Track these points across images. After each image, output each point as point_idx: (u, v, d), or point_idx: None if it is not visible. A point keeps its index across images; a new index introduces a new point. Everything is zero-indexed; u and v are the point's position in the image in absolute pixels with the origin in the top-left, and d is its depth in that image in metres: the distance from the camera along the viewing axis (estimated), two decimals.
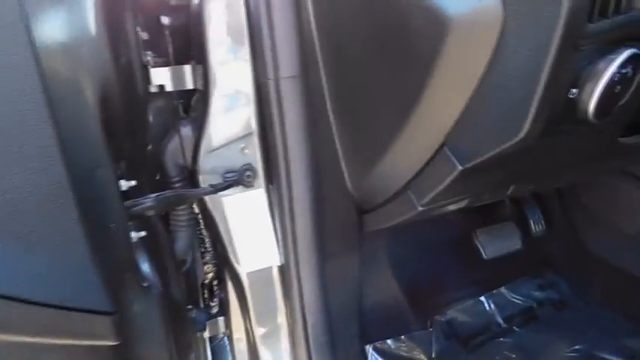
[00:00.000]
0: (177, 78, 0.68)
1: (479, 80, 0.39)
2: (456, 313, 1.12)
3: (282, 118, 0.59)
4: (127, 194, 0.58)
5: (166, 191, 0.62)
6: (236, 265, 0.76)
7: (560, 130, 0.41)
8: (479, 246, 1.07)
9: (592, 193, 1.19)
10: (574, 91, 0.38)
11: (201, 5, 0.63)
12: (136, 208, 0.58)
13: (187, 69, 0.68)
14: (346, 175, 0.65)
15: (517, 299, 1.17)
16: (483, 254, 1.07)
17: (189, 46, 0.68)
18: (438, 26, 0.40)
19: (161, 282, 0.64)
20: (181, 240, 0.78)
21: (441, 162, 0.47)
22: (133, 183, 0.57)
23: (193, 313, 0.81)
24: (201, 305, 0.91)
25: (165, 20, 0.67)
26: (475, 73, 0.38)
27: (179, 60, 0.69)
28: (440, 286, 1.12)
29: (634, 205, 1.06)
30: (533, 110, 0.36)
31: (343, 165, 0.64)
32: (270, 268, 0.74)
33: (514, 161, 0.47)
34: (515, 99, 0.37)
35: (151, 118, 0.74)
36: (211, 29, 0.63)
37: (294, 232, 0.65)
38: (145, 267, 0.60)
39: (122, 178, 0.57)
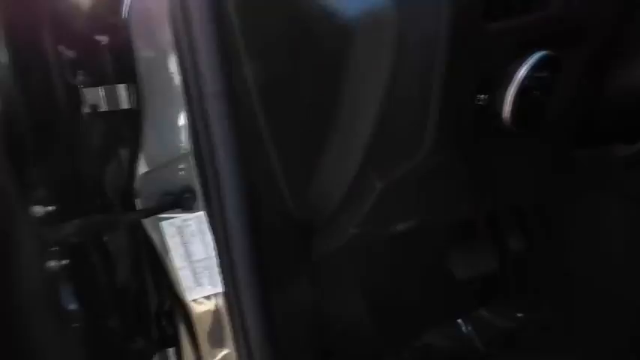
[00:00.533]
0: (112, 98, 0.65)
1: (384, 88, 0.35)
2: (431, 338, 1.07)
3: (209, 137, 0.56)
4: (47, 220, 0.55)
5: (92, 216, 0.59)
6: (180, 293, 0.72)
7: (485, 141, 0.38)
8: (451, 266, 1.02)
9: (573, 210, 1.15)
10: (482, 97, 0.35)
11: (128, 22, 0.61)
12: (55, 235, 0.55)
13: (122, 88, 0.66)
14: (286, 194, 0.61)
15: (497, 321, 1.12)
16: (455, 275, 1.02)
17: (124, 64, 0.65)
18: (338, 31, 0.37)
19: (91, 315, 0.60)
20: (123, 266, 0.74)
21: (364, 180, 0.43)
22: (50, 209, 0.54)
23: (140, 345, 0.77)
24: (156, 336, 0.87)
25: (96, 38, 0.64)
26: (380, 81, 0.35)
27: (115, 79, 0.67)
28: (413, 310, 1.07)
29: (614, 223, 1.01)
30: (432, 119, 0.33)
31: (282, 184, 0.61)
32: (216, 296, 0.70)
33: (445, 176, 0.44)
34: (417, 107, 0.34)
35: (90, 140, 0.71)
36: (140, 46, 0.61)
37: (230, 258, 0.61)
38: (67, 299, 0.56)
39: (41, 204, 0.54)
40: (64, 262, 0.56)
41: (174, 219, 0.68)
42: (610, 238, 1.02)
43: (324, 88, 0.42)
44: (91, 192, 0.67)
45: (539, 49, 0.35)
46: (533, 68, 0.34)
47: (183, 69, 0.53)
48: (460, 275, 1.01)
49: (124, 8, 0.61)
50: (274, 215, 0.62)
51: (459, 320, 1.08)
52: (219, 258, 0.62)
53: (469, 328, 1.08)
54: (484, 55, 0.33)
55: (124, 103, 0.67)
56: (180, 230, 0.68)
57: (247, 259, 0.61)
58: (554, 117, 0.41)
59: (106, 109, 0.67)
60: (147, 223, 0.69)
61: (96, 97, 0.66)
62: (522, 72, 0.34)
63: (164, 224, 0.68)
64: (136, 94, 0.63)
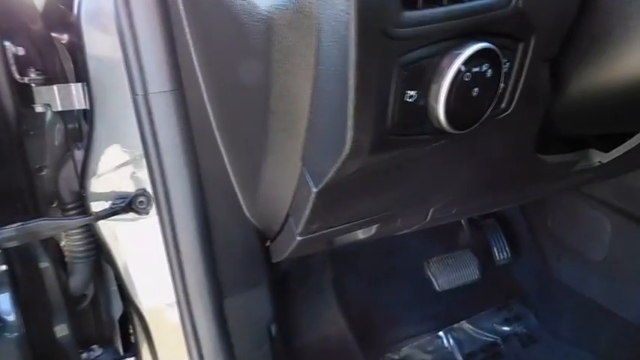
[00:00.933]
0: (66, 97, 0.63)
1: (312, 84, 0.32)
2: (410, 350, 1.03)
3: (155, 138, 0.53)
4: None
5: (36, 219, 0.56)
6: (136, 300, 0.69)
7: (424, 141, 0.34)
8: (430, 277, 0.99)
9: (558, 217, 1.11)
10: (411, 93, 0.32)
11: (79, 18, 0.58)
12: None
13: (75, 87, 0.63)
14: (241, 198, 0.58)
15: (480, 334, 1.08)
16: (436, 286, 0.98)
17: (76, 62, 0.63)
18: (259, 24, 0.34)
19: (33, 323, 0.57)
20: (79, 273, 0.71)
21: (302, 183, 0.40)
22: None
23: (95, 354, 0.74)
24: (118, 344, 0.84)
25: (47, 35, 0.62)
26: (307, 76, 0.32)
27: (68, 78, 0.64)
28: (393, 320, 1.03)
29: (600, 232, 0.97)
30: (350, 117, 0.30)
31: (236, 187, 0.58)
32: (172, 304, 0.67)
33: (384, 179, 0.41)
34: (338, 105, 0.31)
35: (44, 141, 0.69)
36: (89, 44, 0.58)
37: (180, 265, 0.58)
38: (4, 307, 0.53)
39: None
40: (1, 267, 0.53)
41: (129, 223, 0.65)
42: (598, 247, 0.99)
43: (256, 85, 0.39)
44: (35, 196, 0.64)
45: (477, 41, 0.32)
46: (468, 62, 0.31)
47: (127, 66, 0.51)
48: (439, 286, 0.97)
49: (75, 5, 0.59)
50: (228, 219, 0.60)
51: (440, 332, 1.04)
52: (169, 265, 0.59)
53: (450, 340, 1.04)
54: (405, 46, 0.30)
55: (79, 103, 0.64)
56: (134, 235, 0.66)
57: (199, 263, 0.58)
58: (506, 117, 0.38)
59: (60, 109, 0.64)
60: (101, 227, 0.67)
61: (50, 96, 0.64)
62: (455, 66, 0.31)
63: (118, 228, 0.65)
64: (89, 93, 0.61)
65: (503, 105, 0.39)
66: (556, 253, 1.09)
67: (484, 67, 0.32)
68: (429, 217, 0.61)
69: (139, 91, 0.51)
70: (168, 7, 0.50)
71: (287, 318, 0.93)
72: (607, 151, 0.66)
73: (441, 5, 0.29)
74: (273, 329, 0.67)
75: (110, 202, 0.64)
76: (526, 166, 0.55)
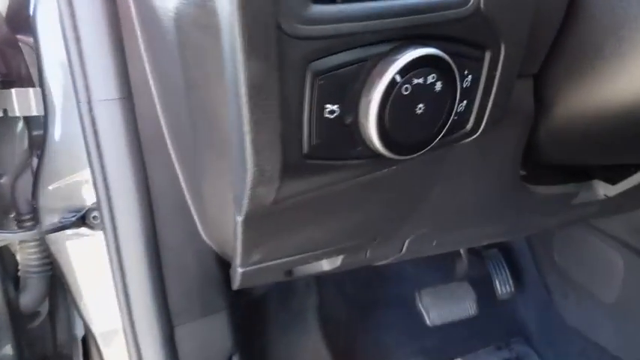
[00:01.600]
0: (23, 102, 0.60)
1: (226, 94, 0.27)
2: None
3: (99, 149, 0.49)
4: None
5: None
6: (87, 321, 0.64)
7: (358, 166, 0.28)
8: (422, 310, 0.91)
9: (565, 251, 1.02)
10: (332, 108, 0.26)
11: (34, 20, 0.55)
12: None
13: (33, 92, 0.60)
14: (196, 218, 0.53)
15: None
16: (427, 320, 0.90)
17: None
18: (170, 22, 0.29)
19: None
20: (31, 288, 0.67)
21: (232, 211, 0.35)
22: None
23: None
24: None
25: (11, 39, 0.59)
26: (220, 85, 0.27)
27: (25, 83, 0.61)
28: (379, 354, 0.95)
29: (611, 271, 0.88)
30: (247, 134, 0.24)
31: (191, 206, 0.53)
32: (119, 330, 0.62)
33: (330, 209, 0.35)
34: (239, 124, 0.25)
35: (5, 148, 0.65)
36: (44, 47, 0.55)
37: (125, 288, 0.53)
38: None
39: None
40: None
41: (80, 239, 0.61)
42: (606, 286, 0.89)
43: (183, 94, 0.34)
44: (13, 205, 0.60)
45: (419, 46, 0.26)
46: (407, 71, 0.25)
47: (71, 72, 0.46)
48: (431, 320, 0.89)
49: (31, 6, 0.56)
50: (181, 239, 0.54)
51: None
52: (115, 288, 0.54)
53: None
54: (320, 49, 0.24)
55: (37, 109, 0.61)
56: (86, 253, 0.61)
57: (146, 287, 0.53)
58: (477, 140, 0.32)
59: (18, 114, 0.61)
60: (52, 242, 0.62)
61: (8, 100, 0.61)
62: (387, 75, 0.25)
63: (68, 244, 0.61)
64: (44, 99, 0.57)
65: (468, 126, 0.32)
66: (563, 290, 1.00)
67: (430, 79, 0.26)
68: (404, 249, 0.55)
69: (83, 98, 0.47)
70: (117, 9, 0.46)
71: (263, 346, 0.87)
72: (614, 183, 0.58)
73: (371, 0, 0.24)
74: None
75: (60, 216, 0.60)
76: (513, 197, 0.48)
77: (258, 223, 0.33)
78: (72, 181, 0.60)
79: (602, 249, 0.89)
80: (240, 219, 0.32)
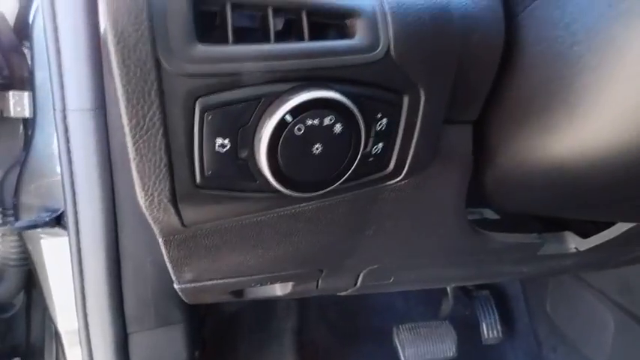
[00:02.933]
0: (18, 104, 0.63)
1: None
2: None
3: (69, 155, 0.51)
4: None
5: None
6: (53, 317, 0.66)
7: (262, 199, 0.28)
8: (397, 346, 0.88)
9: (557, 303, 0.97)
10: (223, 142, 0.26)
11: (32, 27, 0.59)
12: None
13: (28, 96, 0.63)
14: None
15: None
16: (401, 356, 0.88)
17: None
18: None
19: None
20: (7, 279, 0.69)
21: None
22: None
23: None
24: (50, 357, 0.81)
25: (16, 45, 0.63)
26: None
27: (20, 86, 0.65)
28: None
29: (602, 329, 0.83)
30: (132, 161, 0.25)
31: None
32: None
33: (250, 235, 0.35)
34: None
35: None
36: (37, 53, 0.58)
37: (82, 290, 0.55)
38: None
39: None
40: None
41: (54, 239, 0.63)
42: (597, 343, 0.84)
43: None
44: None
45: (315, 89, 0.26)
46: (300, 112, 0.25)
47: (50, 80, 0.49)
48: (405, 357, 0.87)
49: (31, 14, 0.59)
50: (142, 253, 0.55)
51: None
52: (74, 290, 0.55)
53: None
54: (209, 85, 0.24)
55: (30, 111, 0.64)
56: (59, 253, 0.63)
57: (103, 292, 0.54)
58: (408, 184, 0.31)
59: (12, 116, 0.65)
60: (28, 238, 0.65)
61: (5, 102, 0.64)
62: (277, 116, 0.25)
63: (42, 242, 0.63)
64: (33, 102, 0.61)
65: (389, 169, 0.32)
66: (552, 343, 0.95)
67: (327, 121, 0.26)
68: (359, 283, 0.54)
69: (58, 106, 0.50)
70: (98, 22, 0.48)
71: None
72: (586, 236, 0.56)
73: (267, 42, 0.24)
74: None
75: (35, 215, 0.62)
76: (465, 243, 0.46)
77: (180, 244, 0.34)
78: (51, 181, 0.63)
79: (594, 305, 0.85)
80: (160, 240, 0.33)
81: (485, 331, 1.01)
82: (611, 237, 0.52)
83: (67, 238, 0.62)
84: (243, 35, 0.24)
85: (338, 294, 0.61)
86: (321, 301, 0.98)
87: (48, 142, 0.61)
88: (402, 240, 0.43)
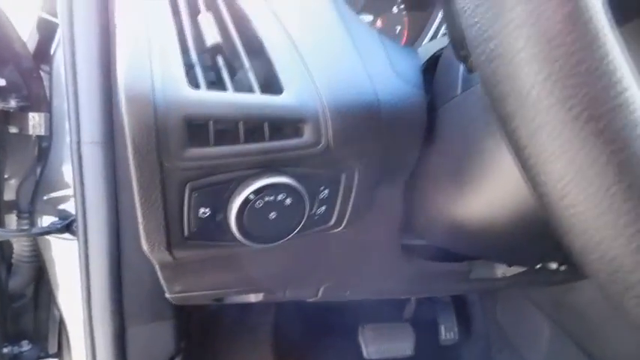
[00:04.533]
0: (37, 125, 0.73)
1: None
2: None
3: (81, 178, 0.61)
4: None
5: None
6: (60, 310, 0.76)
7: (232, 246, 0.39)
8: (361, 343, 1.00)
9: (505, 309, 1.09)
10: (205, 211, 0.36)
11: (52, 60, 0.68)
12: None
13: (44, 117, 0.73)
14: None
15: None
16: (364, 352, 0.99)
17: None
18: None
19: None
20: (20, 274, 0.80)
21: None
22: None
23: (21, 349, 0.81)
24: (54, 343, 0.91)
25: (33, 67, 0.72)
26: None
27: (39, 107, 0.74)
28: None
29: (537, 335, 0.95)
30: (140, 223, 0.35)
31: None
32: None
33: (229, 263, 0.45)
34: None
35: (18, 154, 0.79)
36: (54, 83, 0.68)
37: (88, 288, 0.65)
38: None
39: None
40: None
41: (61, 242, 0.73)
42: (533, 349, 0.96)
43: None
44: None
45: (275, 174, 0.36)
46: (261, 191, 0.35)
47: (68, 114, 0.59)
48: (368, 354, 0.98)
49: (52, 47, 0.69)
50: (141, 261, 0.65)
51: None
52: (81, 287, 0.66)
53: None
54: (193, 175, 0.34)
55: (44, 131, 0.74)
56: (65, 254, 0.73)
57: (106, 290, 0.65)
58: (349, 229, 0.42)
59: (30, 134, 0.74)
60: (41, 239, 0.75)
61: (24, 121, 0.74)
62: (242, 196, 0.34)
63: (53, 243, 0.73)
64: (50, 121, 0.70)
65: (331, 223, 0.43)
66: (500, 345, 1.08)
67: (280, 197, 0.36)
68: (320, 294, 0.65)
69: (74, 138, 0.59)
70: (110, 64, 0.57)
71: (214, 355, 0.98)
72: (510, 264, 0.67)
73: (237, 143, 0.34)
74: None
75: (51, 221, 0.72)
76: (401, 270, 0.57)
77: (172, 268, 0.44)
78: (62, 195, 0.73)
79: (534, 315, 0.96)
80: (156, 264, 0.43)
81: (443, 333, 1.13)
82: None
83: (74, 242, 0.73)
84: (221, 134, 0.34)
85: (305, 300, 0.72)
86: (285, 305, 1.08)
87: (61, 160, 0.71)
88: (347, 267, 0.54)
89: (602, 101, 0.21)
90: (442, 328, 1.12)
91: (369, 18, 0.65)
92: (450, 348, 1.12)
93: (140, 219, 0.35)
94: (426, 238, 0.54)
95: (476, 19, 0.24)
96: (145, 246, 0.37)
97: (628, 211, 0.21)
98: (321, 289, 0.65)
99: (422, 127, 0.42)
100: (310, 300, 0.70)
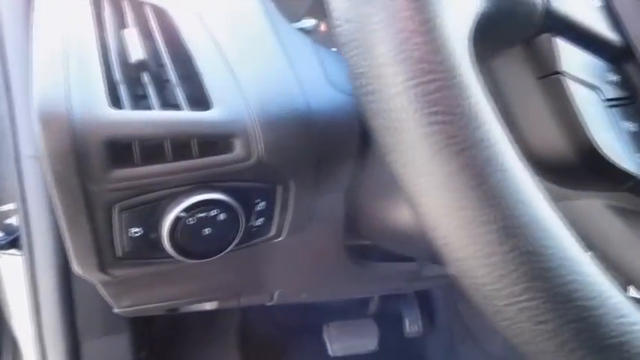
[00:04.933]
0: None
1: None
2: None
3: (23, 194, 0.59)
4: None
5: None
6: (11, 327, 0.74)
7: (170, 262, 0.39)
8: (326, 340, 1.01)
9: (467, 303, 1.12)
10: (136, 230, 0.35)
11: None
12: None
13: None
14: None
15: None
16: (329, 350, 1.01)
17: None
18: None
19: None
20: None
21: None
22: None
23: None
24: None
25: None
26: None
27: None
28: None
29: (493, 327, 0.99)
30: (67, 243, 0.34)
31: None
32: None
33: (171, 278, 0.45)
34: None
35: None
36: None
37: (37, 305, 0.63)
38: None
39: None
40: None
41: (12, 257, 0.71)
42: (491, 340, 1.00)
43: None
44: None
45: (205, 191, 0.36)
46: (192, 209, 0.35)
47: (5, 128, 0.57)
48: (333, 351, 1.00)
49: None
50: None
51: None
52: (28, 304, 0.64)
53: None
54: (120, 196, 0.33)
55: None
56: (16, 270, 0.71)
57: (56, 305, 0.63)
58: (289, 240, 0.43)
59: None
60: None
61: None
62: (172, 214, 0.34)
63: (1, 262, 0.71)
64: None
65: (271, 233, 0.43)
66: (462, 336, 1.11)
67: (213, 212, 0.36)
68: (275, 298, 0.65)
69: (12, 152, 0.57)
70: None
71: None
72: None
73: (164, 162, 0.34)
74: None
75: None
76: (351, 274, 0.58)
77: (114, 285, 0.43)
78: (7, 210, 0.71)
79: None
80: (96, 283, 0.43)
81: (408, 326, 1.15)
82: None
83: (18, 258, 0.71)
84: (149, 152, 0.34)
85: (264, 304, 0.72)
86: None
87: (5, 174, 0.68)
88: (297, 273, 0.55)
89: (463, 138, 0.22)
90: (406, 322, 1.14)
91: (312, 22, 0.65)
92: (414, 340, 1.14)
93: (68, 242, 0.34)
94: (370, 240, 0.55)
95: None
96: (76, 268, 0.36)
97: (489, 242, 0.23)
98: (276, 294, 0.65)
99: (356, 136, 0.42)
100: (268, 304, 0.71)
